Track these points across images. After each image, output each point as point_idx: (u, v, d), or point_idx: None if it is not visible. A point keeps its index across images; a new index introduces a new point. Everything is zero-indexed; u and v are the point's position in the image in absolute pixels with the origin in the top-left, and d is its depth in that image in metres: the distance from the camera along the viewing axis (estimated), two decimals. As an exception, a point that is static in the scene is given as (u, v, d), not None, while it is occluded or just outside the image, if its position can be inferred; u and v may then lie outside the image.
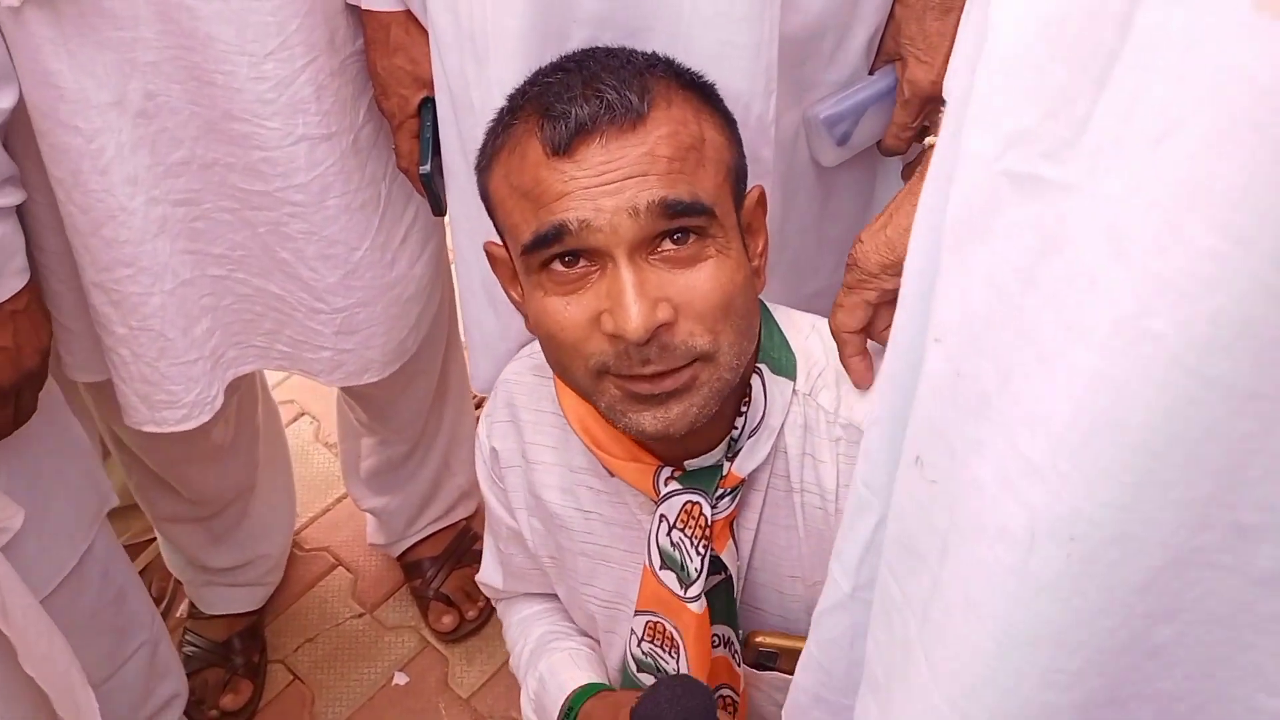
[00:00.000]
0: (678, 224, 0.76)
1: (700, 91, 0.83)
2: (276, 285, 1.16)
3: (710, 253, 0.78)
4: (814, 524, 0.91)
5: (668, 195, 0.75)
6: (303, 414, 2.06)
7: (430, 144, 1.10)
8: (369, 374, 1.24)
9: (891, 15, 1.02)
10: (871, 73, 1.05)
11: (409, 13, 1.06)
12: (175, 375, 1.14)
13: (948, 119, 0.45)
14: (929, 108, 1.02)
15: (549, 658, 1.08)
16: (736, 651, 0.95)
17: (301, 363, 1.23)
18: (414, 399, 1.54)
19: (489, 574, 1.19)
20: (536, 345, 1.00)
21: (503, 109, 0.83)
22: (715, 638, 0.95)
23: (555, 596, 1.13)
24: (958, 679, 0.45)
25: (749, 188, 0.86)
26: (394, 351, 1.27)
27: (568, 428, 0.95)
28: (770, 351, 0.88)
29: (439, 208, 1.16)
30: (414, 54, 1.07)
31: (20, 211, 1.09)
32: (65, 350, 1.23)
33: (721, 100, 0.85)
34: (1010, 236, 0.40)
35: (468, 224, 1.08)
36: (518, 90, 0.83)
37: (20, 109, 1.03)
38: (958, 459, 0.44)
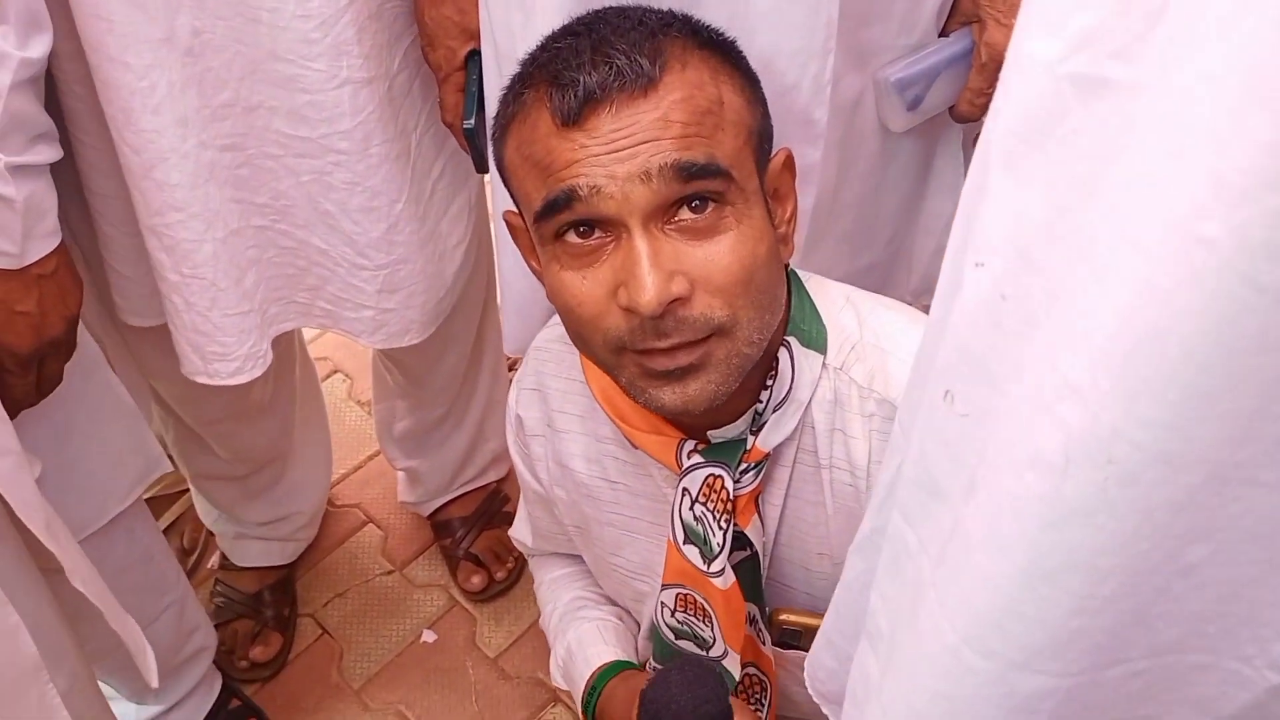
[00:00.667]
0: (693, 188, 0.73)
1: (720, 50, 0.80)
2: (319, 239, 1.14)
3: (730, 222, 0.75)
4: (843, 501, 0.89)
5: (681, 158, 0.72)
6: (336, 371, 2.06)
7: (476, 98, 1.08)
8: (410, 335, 1.23)
9: None
10: (945, 34, 1.02)
11: None
12: (228, 326, 1.13)
13: (1016, 31, 0.43)
14: None
15: (578, 627, 1.08)
16: (762, 630, 0.94)
17: (343, 322, 1.22)
18: (450, 363, 1.53)
19: (520, 530, 1.19)
20: None
21: (513, 77, 0.81)
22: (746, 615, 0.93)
23: (580, 559, 1.13)
24: (977, 614, 0.44)
25: (779, 150, 0.83)
26: (433, 311, 1.25)
27: (594, 398, 0.94)
28: (800, 323, 0.86)
29: (483, 164, 1.14)
30: (462, 4, 1.05)
31: (70, 155, 1.08)
32: (119, 295, 1.22)
33: (744, 59, 0.82)
34: (1072, 144, 0.38)
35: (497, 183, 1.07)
36: (528, 57, 0.81)
37: (61, 58, 1.01)
38: (996, 387, 0.42)
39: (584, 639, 1.07)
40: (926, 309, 1.04)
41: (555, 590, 1.15)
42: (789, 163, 0.83)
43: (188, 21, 0.99)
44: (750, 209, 0.77)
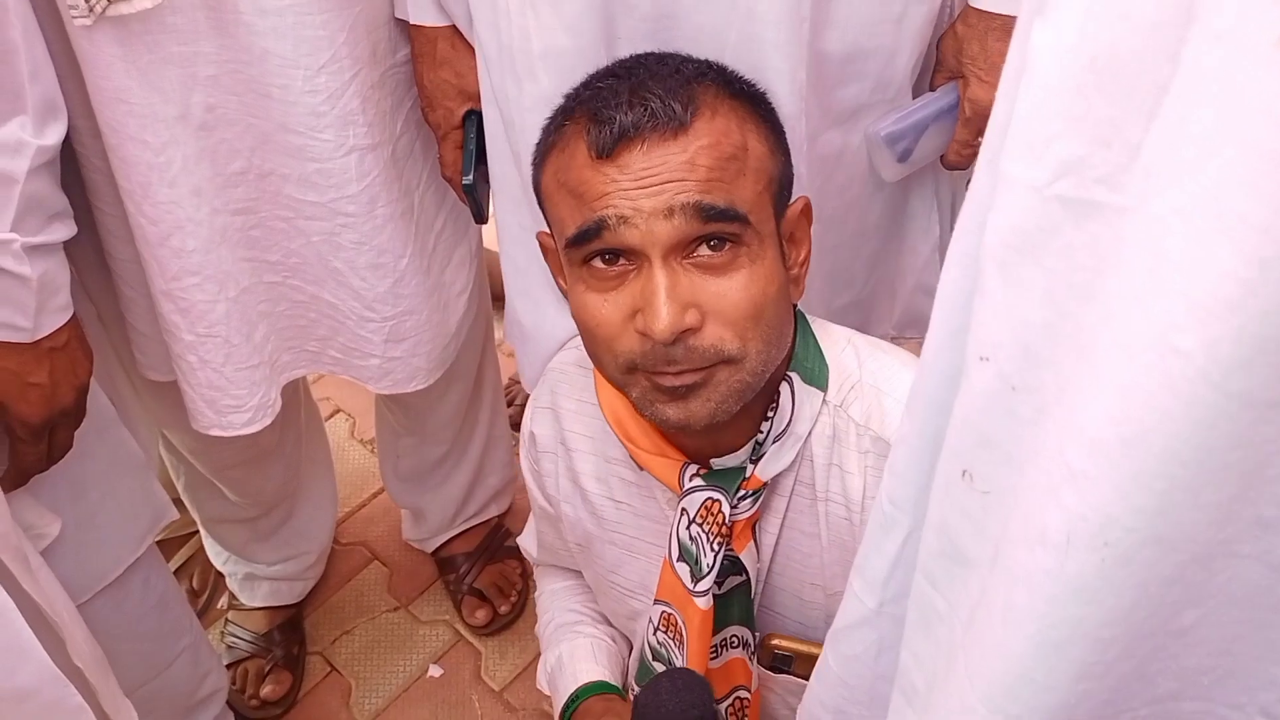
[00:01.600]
0: (712, 229, 0.79)
1: (749, 101, 0.85)
2: (329, 293, 1.19)
3: (744, 261, 0.80)
4: (837, 533, 0.93)
5: (703, 200, 0.77)
6: (338, 411, 2.10)
7: (473, 156, 1.14)
8: (415, 382, 1.28)
9: (952, 32, 1.04)
10: (933, 88, 1.08)
11: (455, 28, 1.10)
12: (240, 380, 1.18)
13: (985, 146, 0.47)
14: None
15: (572, 640, 1.13)
16: (753, 653, 0.98)
17: (351, 369, 1.27)
18: (451, 403, 1.58)
19: (527, 540, 1.24)
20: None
21: (557, 110, 0.86)
22: (735, 639, 0.97)
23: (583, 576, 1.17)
24: (994, 679, 0.47)
25: (794, 198, 0.89)
26: (438, 359, 1.30)
27: (605, 420, 0.99)
28: (804, 361, 0.91)
29: (481, 215, 1.20)
30: (459, 68, 1.11)
31: (90, 221, 1.12)
32: (139, 351, 1.27)
33: (773, 111, 0.87)
34: (1067, 256, 0.41)
35: (520, 232, 1.12)
36: (571, 93, 0.86)
37: (81, 134, 1.06)
38: (1015, 468, 0.46)
39: (576, 653, 1.11)
40: (907, 340, 1.07)
41: (555, 601, 1.20)
42: (806, 210, 0.89)
43: (202, 99, 1.05)
44: (765, 250, 0.82)
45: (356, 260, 1.17)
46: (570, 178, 0.81)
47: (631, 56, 0.87)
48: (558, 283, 0.93)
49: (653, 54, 0.87)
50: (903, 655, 0.59)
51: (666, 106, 0.78)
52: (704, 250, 0.80)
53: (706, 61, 0.86)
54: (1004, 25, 0.99)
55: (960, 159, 1.08)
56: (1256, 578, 0.42)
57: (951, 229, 1.19)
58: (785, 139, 0.88)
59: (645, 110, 0.78)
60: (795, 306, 0.91)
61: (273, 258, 1.16)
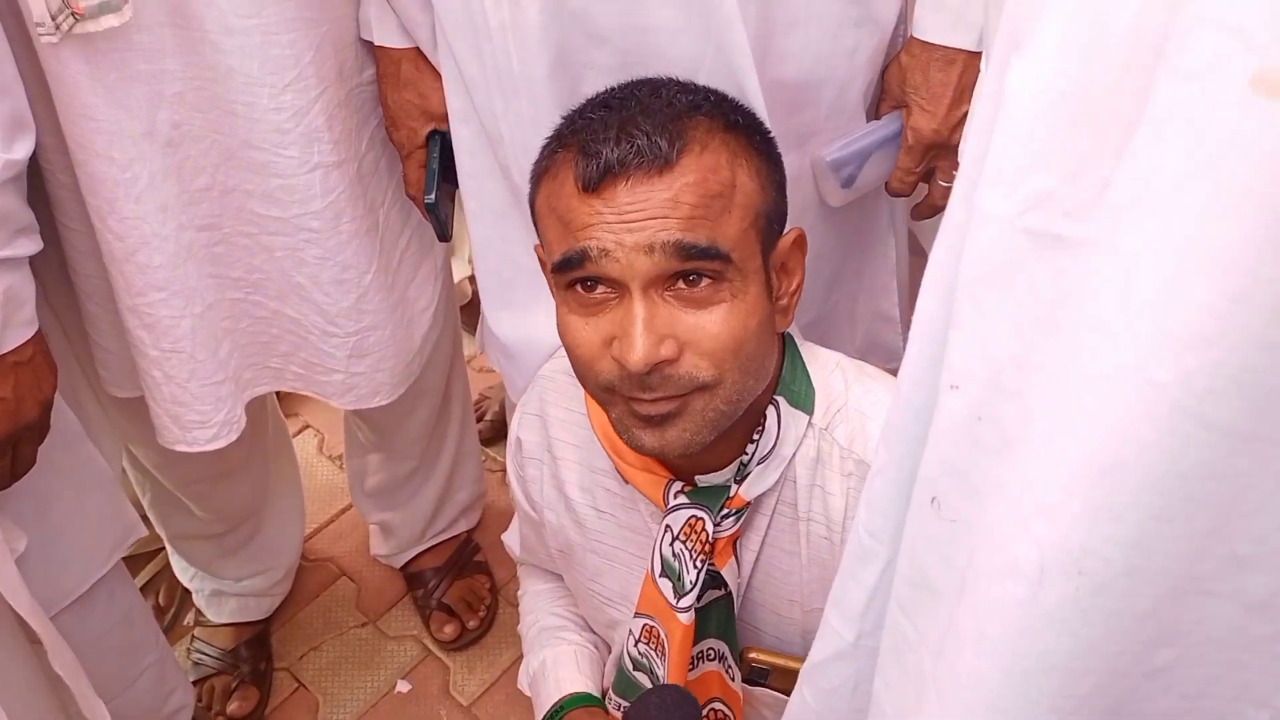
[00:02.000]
0: (691, 266, 0.79)
1: (745, 133, 0.85)
2: (292, 308, 1.20)
3: (724, 296, 0.81)
4: (817, 552, 0.94)
5: (684, 238, 0.78)
6: (307, 427, 2.10)
7: (435, 175, 1.16)
8: (379, 397, 1.29)
9: (897, 62, 1.06)
10: (878, 116, 1.10)
11: (419, 50, 1.12)
12: (204, 395, 1.18)
13: (960, 180, 0.48)
14: (931, 154, 1.07)
15: (556, 647, 1.14)
16: (731, 667, 0.99)
17: (314, 385, 1.27)
18: (419, 419, 1.58)
19: (511, 538, 1.24)
20: None
21: (551, 135, 0.87)
22: (711, 651, 0.98)
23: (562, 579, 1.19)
24: (968, 709, 0.47)
25: (792, 229, 0.89)
26: (402, 374, 1.31)
27: (593, 431, 1.00)
28: (790, 384, 0.92)
29: (444, 233, 1.21)
30: (423, 89, 1.13)
31: (55, 237, 1.13)
32: (103, 367, 1.27)
33: (771, 143, 0.88)
34: (1032, 289, 0.42)
35: (505, 245, 1.13)
36: (565, 119, 0.87)
37: (48, 150, 1.06)
38: (979, 499, 0.47)
39: (560, 661, 1.12)
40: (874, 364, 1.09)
41: (539, 603, 1.20)
42: (800, 241, 0.89)
43: (168, 116, 1.05)
44: (747, 285, 0.82)
45: (320, 275, 1.18)
46: (559, 205, 0.83)
47: (628, 84, 0.87)
48: (553, 293, 0.95)
49: (649, 82, 0.87)
50: (876, 683, 0.60)
51: (653, 143, 0.79)
52: (683, 284, 0.80)
53: (705, 91, 0.86)
54: (945, 56, 1.01)
55: (903, 186, 1.09)
56: (1231, 617, 0.42)
57: (905, 255, 1.22)
58: (782, 171, 0.88)
59: (631, 147, 0.79)
60: (785, 333, 0.93)
61: (235, 274, 1.16)
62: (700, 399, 0.83)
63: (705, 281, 0.80)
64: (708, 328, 0.81)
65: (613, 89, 0.87)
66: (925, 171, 1.09)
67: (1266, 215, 0.33)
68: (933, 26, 1.01)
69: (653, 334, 0.79)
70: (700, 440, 0.84)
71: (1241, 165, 0.34)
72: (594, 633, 1.16)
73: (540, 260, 0.95)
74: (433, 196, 1.15)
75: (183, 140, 1.07)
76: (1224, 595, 0.41)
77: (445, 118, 1.14)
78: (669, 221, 0.78)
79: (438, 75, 1.12)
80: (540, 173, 0.87)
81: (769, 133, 0.88)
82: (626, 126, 0.80)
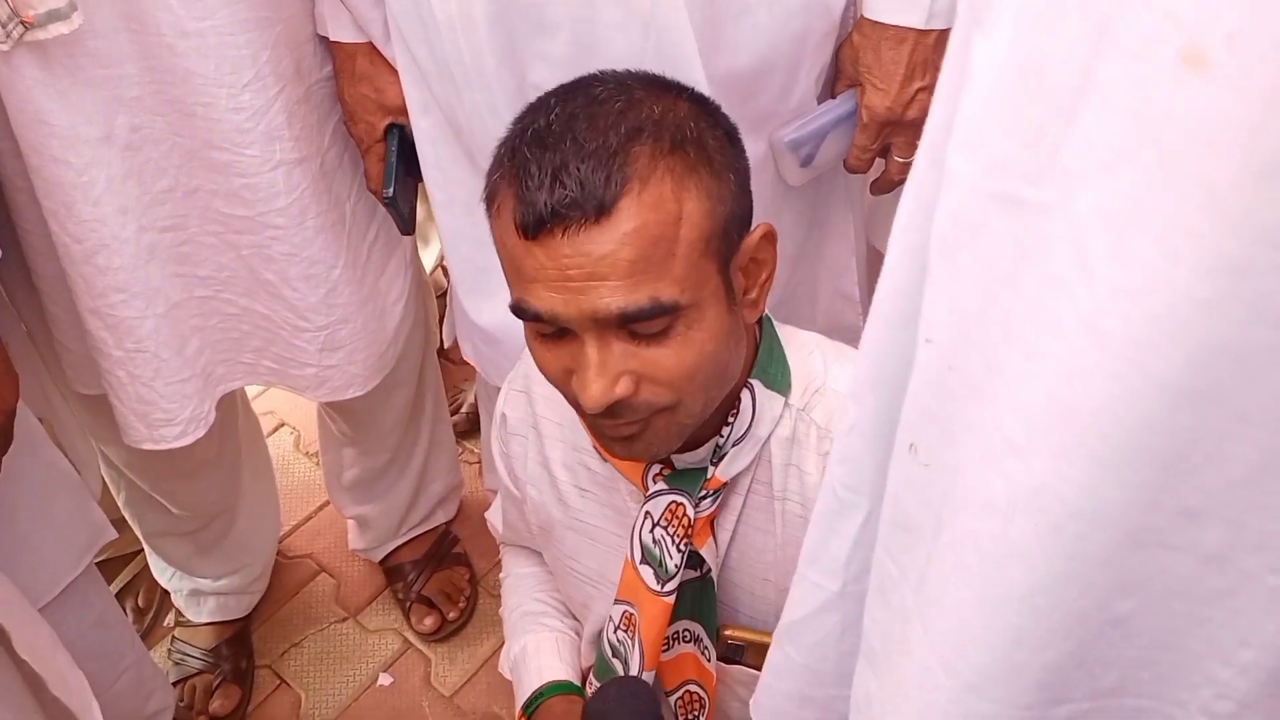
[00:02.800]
0: (639, 326, 0.79)
1: (694, 149, 0.80)
2: (262, 305, 1.20)
3: (679, 330, 0.80)
4: (792, 531, 0.95)
5: (627, 305, 0.77)
6: (282, 425, 2.10)
7: (394, 168, 1.16)
8: (352, 389, 1.30)
9: (849, 42, 1.07)
10: (833, 96, 1.11)
11: (372, 44, 1.12)
12: (170, 394, 1.19)
13: (924, 145, 0.50)
14: (886, 130, 1.08)
15: (538, 633, 1.15)
16: (707, 648, 0.99)
17: (287, 379, 1.28)
18: (393, 410, 1.59)
19: (494, 516, 1.25)
20: None
21: (494, 158, 0.83)
22: (686, 633, 0.99)
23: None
24: (948, 638, 0.50)
25: (758, 225, 0.87)
26: (375, 366, 1.32)
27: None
28: (767, 367, 0.92)
29: (406, 226, 1.22)
30: (379, 83, 1.13)
31: (17, 243, 1.12)
32: (68, 366, 1.27)
33: (726, 147, 0.83)
34: (995, 246, 0.45)
35: (477, 231, 1.09)
36: (503, 144, 0.83)
37: (3, 155, 1.06)
38: (951, 441, 0.49)
39: (542, 647, 1.13)
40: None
41: (520, 586, 1.21)
42: (768, 236, 0.87)
43: (127, 120, 1.06)
44: (702, 314, 0.81)
45: (288, 271, 1.18)
46: (506, 243, 0.81)
47: (567, 104, 0.81)
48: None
49: (589, 100, 0.81)
50: (865, 621, 0.61)
51: (589, 189, 0.75)
52: (636, 325, 0.79)
53: (650, 105, 0.80)
54: (896, 35, 1.02)
55: (860, 163, 1.10)
56: (1188, 570, 0.43)
57: (863, 235, 1.24)
58: (744, 164, 0.85)
59: (565, 195, 0.75)
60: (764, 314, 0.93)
61: (203, 272, 1.17)
62: (662, 419, 0.84)
63: (657, 324, 0.79)
64: (663, 360, 0.80)
65: (551, 113, 0.80)
66: (881, 148, 1.10)
67: (1197, 179, 0.36)
68: (883, 6, 1.02)
69: (607, 375, 0.79)
70: (666, 450, 0.87)
71: (1176, 134, 0.36)
72: (575, 619, 1.17)
73: None
74: (391, 190, 1.16)
75: (143, 143, 1.07)
76: (1180, 549, 0.43)
77: (403, 111, 1.14)
78: (608, 285, 0.76)
79: (393, 69, 1.12)
80: (488, 200, 0.84)
81: (728, 126, 0.85)
82: (559, 173, 0.76)
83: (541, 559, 1.21)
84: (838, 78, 1.10)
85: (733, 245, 0.84)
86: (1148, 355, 0.39)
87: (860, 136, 1.08)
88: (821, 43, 1.05)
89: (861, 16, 1.04)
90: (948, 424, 0.49)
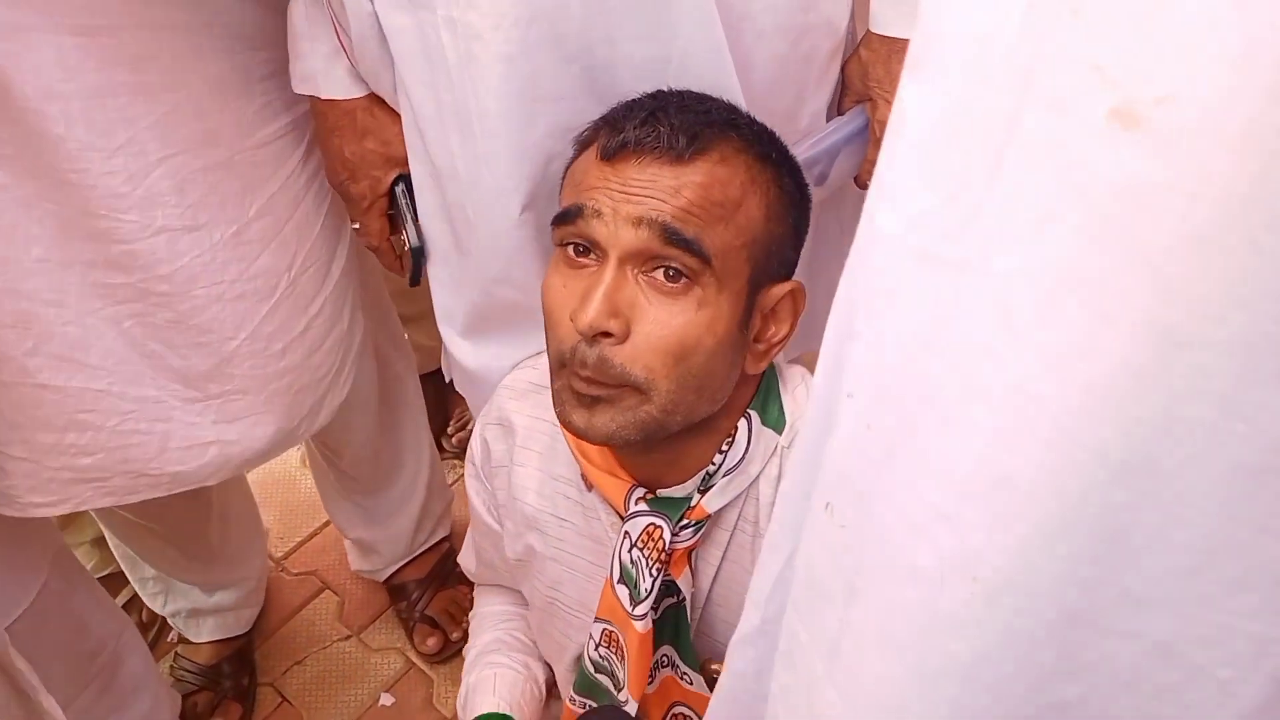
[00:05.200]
0: (671, 253, 0.80)
1: (774, 170, 0.86)
2: (151, 387, 1.12)
3: (692, 300, 0.82)
4: None
5: (671, 223, 0.80)
6: (289, 440, 2.10)
7: (414, 218, 1.12)
8: (248, 465, 1.23)
9: (856, 58, 1.06)
10: (841, 113, 1.10)
11: (372, 96, 1.08)
12: (19, 472, 1.10)
13: (868, 197, 0.48)
14: None
15: (480, 671, 1.17)
16: (685, 673, 1.00)
17: (189, 474, 1.18)
18: (358, 440, 1.56)
19: (466, 558, 1.27)
20: (540, 358, 1.07)
21: (599, 118, 0.90)
22: (666, 658, 1.00)
23: (520, 595, 1.20)
24: (878, 712, 0.48)
25: (795, 280, 0.90)
26: (278, 442, 1.24)
27: (556, 435, 1.01)
28: (766, 404, 0.93)
29: (417, 278, 1.17)
30: (385, 136, 1.09)
31: None
32: None
33: (801, 190, 0.89)
34: (912, 307, 0.43)
35: (451, 284, 1.12)
36: (611, 110, 0.90)
37: None
38: (865, 506, 0.48)
39: (481, 685, 1.15)
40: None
41: (482, 626, 1.23)
42: (796, 294, 0.90)
43: None
44: (720, 300, 0.83)
45: (174, 339, 1.11)
46: (578, 168, 0.87)
47: (679, 90, 0.90)
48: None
49: (693, 92, 0.90)
50: (772, 686, 0.60)
51: (673, 135, 0.82)
52: (660, 274, 0.82)
53: (750, 119, 0.88)
54: (905, 48, 1.01)
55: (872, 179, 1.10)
56: (1135, 660, 0.41)
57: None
58: (804, 220, 0.90)
59: (653, 131, 0.82)
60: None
61: (93, 360, 1.09)
62: (632, 397, 0.83)
63: (681, 281, 0.82)
64: (661, 322, 0.82)
65: (666, 90, 0.90)
66: None
67: (1129, 243, 0.34)
68: (892, 20, 1.02)
69: (608, 303, 0.81)
70: (625, 435, 0.84)
71: (1106, 195, 0.34)
72: (527, 651, 1.19)
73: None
74: (419, 241, 1.13)
75: (9, 205, 1.00)
76: (1124, 634, 0.41)
77: (406, 161, 1.10)
78: (664, 206, 0.80)
79: (396, 118, 1.08)
80: (581, 144, 0.90)
81: (803, 182, 0.90)
82: (656, 113, 0.84)
83: (512, 596, 1.23)
84: (845, 94, 1.10)
85: (768, 274, 0.87)
86: (1082, 424, 0.37)
87: (874, 151, 1.08)
88: (829, 61, 1.05)
89: (869, 32, 1.04)
90: (864, 486, 0.48)
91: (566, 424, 0.87)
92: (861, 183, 1.12)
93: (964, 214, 0.39)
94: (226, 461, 1.19)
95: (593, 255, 0.84)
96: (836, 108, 1.11)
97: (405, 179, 1.11)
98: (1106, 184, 0.34)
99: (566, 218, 0.84)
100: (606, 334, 0.81)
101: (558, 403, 0.87)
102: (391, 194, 1.14)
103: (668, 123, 0.83)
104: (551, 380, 0.88)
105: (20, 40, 0.94)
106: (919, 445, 0.44)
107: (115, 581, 1.73)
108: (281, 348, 1.18)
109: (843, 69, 1.08)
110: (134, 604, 1.77)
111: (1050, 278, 0.37)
